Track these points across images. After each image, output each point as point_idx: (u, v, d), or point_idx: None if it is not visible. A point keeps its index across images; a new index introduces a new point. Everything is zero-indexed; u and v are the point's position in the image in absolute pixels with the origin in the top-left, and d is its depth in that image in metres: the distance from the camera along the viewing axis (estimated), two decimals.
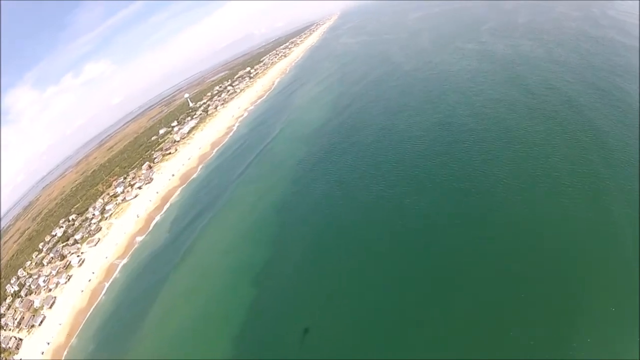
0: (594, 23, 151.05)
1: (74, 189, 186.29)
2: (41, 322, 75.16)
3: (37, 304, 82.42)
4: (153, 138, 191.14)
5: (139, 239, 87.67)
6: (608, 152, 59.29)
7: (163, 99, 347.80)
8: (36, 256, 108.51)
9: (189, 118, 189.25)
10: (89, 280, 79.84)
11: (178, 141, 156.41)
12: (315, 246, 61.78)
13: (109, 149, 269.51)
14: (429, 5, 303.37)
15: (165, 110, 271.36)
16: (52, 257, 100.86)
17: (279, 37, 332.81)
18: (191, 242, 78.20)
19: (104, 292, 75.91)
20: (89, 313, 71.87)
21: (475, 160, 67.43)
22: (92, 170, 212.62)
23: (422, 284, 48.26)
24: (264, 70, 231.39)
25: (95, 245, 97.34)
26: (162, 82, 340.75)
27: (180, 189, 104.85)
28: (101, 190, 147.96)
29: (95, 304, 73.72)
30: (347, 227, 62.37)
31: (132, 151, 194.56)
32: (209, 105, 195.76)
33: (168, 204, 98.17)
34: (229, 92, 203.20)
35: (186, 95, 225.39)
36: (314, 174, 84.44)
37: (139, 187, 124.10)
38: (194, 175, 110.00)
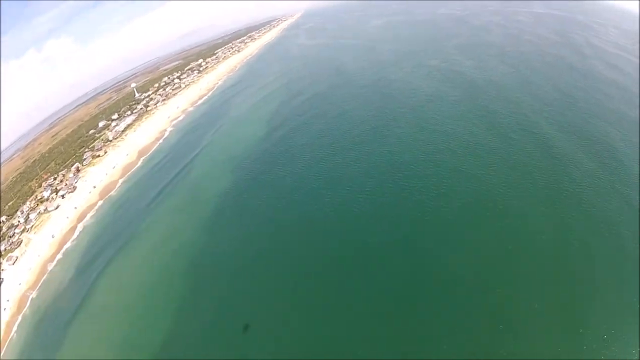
0: (577, 51, 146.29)
1: (13, 179, 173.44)
2: None
3: None
4: (91, 132, 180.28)
5: (50, 266, 79.46)
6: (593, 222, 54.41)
7: (117, 83, 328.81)
8: None
9: (129, 112, 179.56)
10: (4, 309, 71.98)
11: (110, 141, 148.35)
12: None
13: (53, 136, 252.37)
14: (393, 13, 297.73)
15: (114, 98, 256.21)
16: None
17: (239, 30, 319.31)
18: (93, 281, 69.24)
19: (15, 329, 66.67)
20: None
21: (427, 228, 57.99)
22: (34, 159, 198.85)
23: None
24: (215, 65, 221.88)
25: (13, 264, 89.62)
26: (120, 65, 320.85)
27: (96, 207, 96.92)
28: (33, 188, 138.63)
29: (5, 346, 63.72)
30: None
31: (70, 143, 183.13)
32: (151, 99, 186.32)
33: (81, 227, 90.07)
34: (174, 86, 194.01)
35: (133, 85, 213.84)
36: (235, 210, 74.32)
37: (62, 196, 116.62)
38: (113, 192, 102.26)
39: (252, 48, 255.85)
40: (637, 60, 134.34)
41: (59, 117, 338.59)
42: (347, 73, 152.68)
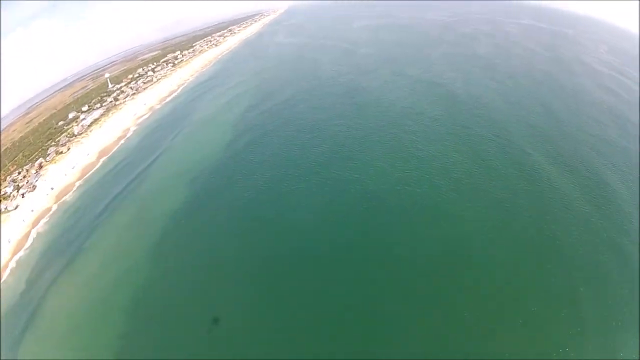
0: (567, 69, 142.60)
1: None
2: None
3: None
4: (60, 123, 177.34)
5: (4, 277, 74.19)
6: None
7: (96, 70, 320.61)
8: None
9: (99, 105, 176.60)
10: None
11: (75, 136, 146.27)
12: None
13: (27, 123, 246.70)
14: (378, 15, 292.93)
15: (89, 86, 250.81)
16: None
17: (222, 22, 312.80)
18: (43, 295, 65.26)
19: None
20: None
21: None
22: (5, 147, 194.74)
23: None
24: (190, 58, 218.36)
25: None
26: (103, 51, 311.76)
27: (51, 212, 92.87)
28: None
29: None
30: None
31: (40, 134, 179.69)
32: (122, 92, 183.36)
33: (34, 233, 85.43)
34: (146, 79, 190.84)
35: (107, 75, 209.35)
36: (188, 230, 69.90)
37: (23, 195, 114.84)
38: (68, 196, 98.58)
39: (230, 43, 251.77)
40: (631, 82, 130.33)
41: (36, 103, 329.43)
42: (322, 78, 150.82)
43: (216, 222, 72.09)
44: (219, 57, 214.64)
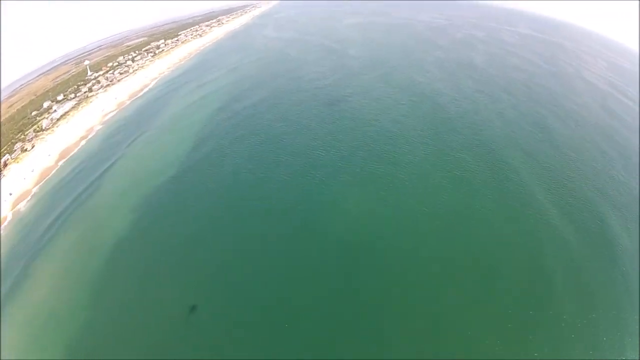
0: (568, 86, 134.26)
1: None
2: None
3: None
4: (34, 113, 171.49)
5: None
6: None
7: (83, 53, 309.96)
8: None
9: (73, 95, 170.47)
10: None
11: (43, 130, 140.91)
12: None
13: (9, 107, 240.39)
14: (370, 13, 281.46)
15: (72, 71, 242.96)
16: None
17: (213, 10, 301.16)
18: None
19: None
20: None
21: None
22: None
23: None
24: (172, 49, 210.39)
25: None
26: (94, 33, 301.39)
27: (5, 223, 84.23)
28: None
29: None
30: None
31: (14, 123, 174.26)
32: (98, 82, 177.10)
33: None
34: (123, 70, 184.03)
35: (86, 62, 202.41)
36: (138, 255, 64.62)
37: None
38: (22, 205, 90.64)
39: (215, 34, 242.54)
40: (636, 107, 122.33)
41: (21, 85, 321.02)
42: (304, 78, 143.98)
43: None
44: (202, 48, 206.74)
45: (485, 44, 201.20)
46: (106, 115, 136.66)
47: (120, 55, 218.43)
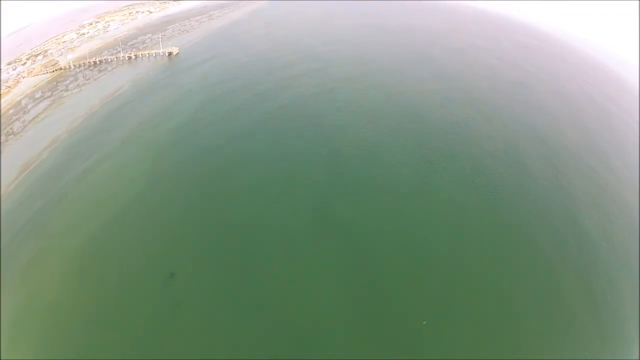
0: (576, 109, 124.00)
1: None
2: None
3: None
4: (11, 111, 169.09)
5: None
6: None
7: None
8: None
9: (50, 93, 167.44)
10: None
11: (13, 134, 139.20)
12: None
13: None
14: (364, 14, 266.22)
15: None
16: None
17: (207, 4, 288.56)
18: None
19: None
20: None
21: None
22: None
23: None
24: (155, 44, 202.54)
25: None
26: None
27: None
28: None
29: None
30: None
31: None
32: (76, 79, 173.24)
33: None
34: (102, 67, 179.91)
35: (69, 56, 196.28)
36: None
37: None
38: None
39: (204, 29, 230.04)
40: None
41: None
42: (284, 87, 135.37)
43: None
44: (186, 46, 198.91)
45: (483, 51, 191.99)
46: (73, 121, 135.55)
47: (105, 50, 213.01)
